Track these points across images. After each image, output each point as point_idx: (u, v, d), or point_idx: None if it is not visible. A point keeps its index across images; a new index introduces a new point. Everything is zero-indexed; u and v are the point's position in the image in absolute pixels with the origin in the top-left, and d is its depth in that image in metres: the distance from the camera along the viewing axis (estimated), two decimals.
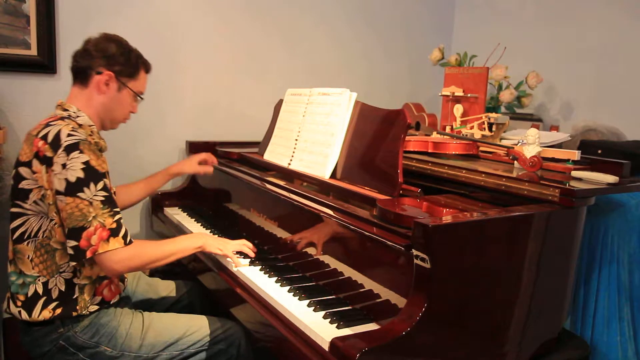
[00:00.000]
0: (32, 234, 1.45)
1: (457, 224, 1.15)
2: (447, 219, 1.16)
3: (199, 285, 1.84)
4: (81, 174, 1.38)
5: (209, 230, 1.97)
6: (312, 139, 1.81)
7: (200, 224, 2.07)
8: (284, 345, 1.25)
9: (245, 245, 1.65)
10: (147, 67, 1.68)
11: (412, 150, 1.81)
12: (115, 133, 2.28)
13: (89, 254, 1.37)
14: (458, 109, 2.12)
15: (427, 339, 1.11)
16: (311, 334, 1.21)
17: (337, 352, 1.06)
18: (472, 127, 2.03)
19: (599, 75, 2.44)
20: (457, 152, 1.79)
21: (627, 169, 1.56)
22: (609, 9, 2.41)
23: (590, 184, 1.42)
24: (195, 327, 1.60)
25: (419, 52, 2.95)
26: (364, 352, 1.01)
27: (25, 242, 1.46)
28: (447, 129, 2.14)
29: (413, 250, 1.12)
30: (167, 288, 1.90)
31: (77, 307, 1.47)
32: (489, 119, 1.95)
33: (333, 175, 1.69)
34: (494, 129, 1.96)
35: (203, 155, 2.12)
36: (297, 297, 1.38)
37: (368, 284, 1.32)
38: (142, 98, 1.69)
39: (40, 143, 1.41)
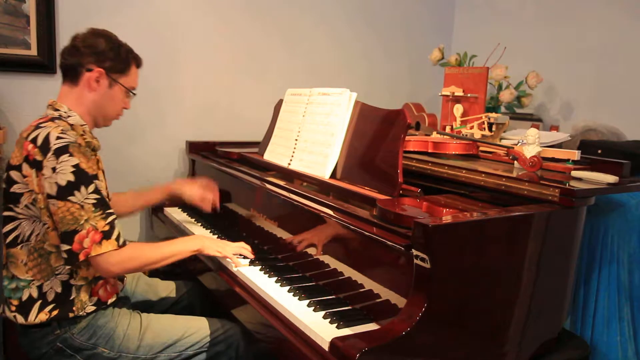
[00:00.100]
0: (25, 238, 1.44)
1: (457, 223, 1.15)
2: (447, 219, 1.16)
3: (199, 286, 1.84)
4: (71, 178, 1.37)
5: (209, 231, 1.97)
6: (312, 139, 1.81)
7: (200, 224, 2.07)
8: (284, 345, 1.25)
9: (244, 248, 1.64)
10: (138, 62, 1.65)
11: (412, 150, 1.81)
12: (115, 133, 2.30)
13: (82, 257, 1.36)
14: (458, 109, 2.12)
15: (427, 339, 1.11)
16: (311, 334, 1.20)
17: (337, 352, 1.06)
18: (472, 127, 2.03)
19: (599, 75, 2.44)
20: (457, 152, 1.79)
21: (627, 169, 1.56)
22: (609, 9, 2.40)
23: (590, 184, 1.42)
24: (194, 328, 1.59)
25: (419, 52, 2.95)
26: (363, 352, 1.01)
27: (19, 246, 1.45)
28: (447, 129, 2.14)
29: (413, 250, 1.12)
30: (167, 288, 1.90)
31: (74, 308, 1.46)
32: (489, 119, 1.95)
33: (333, 175, 1.69)
34: (493, 129, 1.96)
35: (206, 183, 2.01)
36: (297, 297, 1.38)
37: (368, 284, 1.32)
38: (134, 94, 1.66)
39: (30, 146, 1.39)
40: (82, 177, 1.38)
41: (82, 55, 1.52)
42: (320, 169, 1.72)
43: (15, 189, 1.42)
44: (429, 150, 1.81)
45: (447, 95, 2.16)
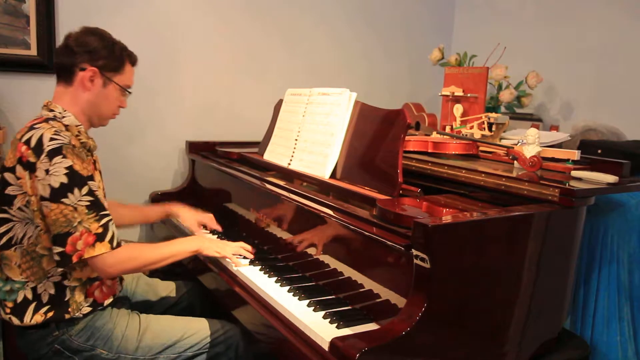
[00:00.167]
0: (18, 240, 1.43)
1: (456, 223, 1.15)
2: (446, 218, 1.16)
3: (199, 286, 1.84)
4: (64, 179, 1.35)
5: (209, 231, 1.96)
6: (312, 139, 1.81)
7: None
8: (284, 345, 1.25)
9: (243, 248, 1.64)
10: (132, 60, 1.62)
11: (412, 150, 1.81)
12: (115, 133, 2.30)
13: (74, 259, 1.35)
14: (458, 109, 2.12)
15: (426, 338, 1.11)
16: (311, 334, 1.21)
17: (336, 352, 1.06)
18: (471, 127, 2.03)
19: (599, 75, 2.44)
20: (457, 152, 1.79)
21: (627, 168, 1.56)
22: (609, 9, 2.40)
23: (590, 183, 1.42)
24: (193, 329, 1.58)
25: (419, 52, 2.95)
26: (363, 352, 1.01)
27: (12, 249, 1.44)
28: (447, 129, 2.14)
29: (413, 250, 1.12)
30: (167, 288, 1.90)
31: (70, 310, 1.45)
32: (489, 118, 1.95)
33: (333, 175, 1.69)
34: (493, 128, 1.96)
35: (204, 218, 1.95)
36: (297, 297, 1.38)
37: (368, 284, 1.32)
38: (129, 92, 1.63)
39: (24, 148, 1.38)
40: (75, 179, 1.37)
41: (75, 55, 1.49)
42: (320, 169, 1.72)
43: (9, 191, 1.41)
44: (429, 150, 1.81)
45: (447, 95, 2.16)
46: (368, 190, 1.53)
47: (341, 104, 1.73)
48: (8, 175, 1.41)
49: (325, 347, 1.13)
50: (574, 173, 1.51)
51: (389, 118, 1.57)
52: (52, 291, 1.45)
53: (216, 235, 1.91)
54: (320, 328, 1.21)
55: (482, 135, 1.97)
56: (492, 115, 1.96)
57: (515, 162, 1.61)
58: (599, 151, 1.82)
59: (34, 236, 1.43)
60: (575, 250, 1.45)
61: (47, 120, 1.45)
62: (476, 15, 3.07)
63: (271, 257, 1.69)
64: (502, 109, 2.46)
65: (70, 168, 1.36)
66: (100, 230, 1.37)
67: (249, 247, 1.65)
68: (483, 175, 1.50)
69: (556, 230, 1.35)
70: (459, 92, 2.13)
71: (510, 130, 2.17)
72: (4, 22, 2.08)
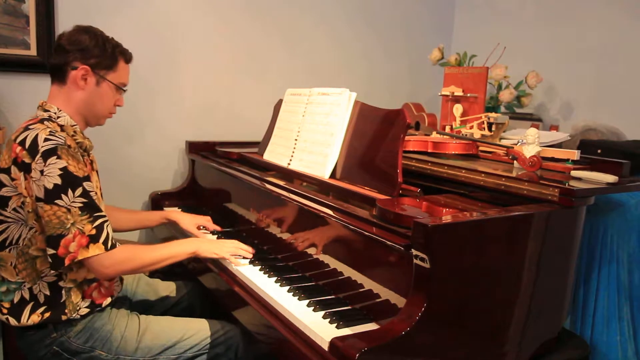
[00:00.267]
0: (14, 241, 1.43)
1: (456, 223, 1.15)
2: (446, 218, 1.15)
3: (199, 286, 1.84)
4: (58, 181, 1.35)
5: (209, 231, 1.96)
6: (312, 138, 1.81)
7: None
8: (284, 345, 1.25)
9: (240, 248, 1.64)
10: (126, 57, 1.60)
11: (411, 150, 1.81)
12: (114, 133, 2.30)
13: (67, 262, 1.35)
14: (458, 109, 2.12)
15: (426, 338, 1.11)
16: (311, 334, 1.21)
17: (336, 352, 1.06)
18: (471, 127, 2.03)
19: (599, 75, 2.44)
20: (456, 152, 1.79)
21: (627, 168, 1.56)
22: (609, 9, 2.40)
23: (589, 183, 1.42)
24: (193, 330, 1.58)
25: (419, 52, 2.95)
26: (363, 352, 1.01)
27: (7, 250, 1.44)
28: (447, 129, 2.14)
29: (412, 250, 1.12)
30: (167, 289, 1.90)
31: (66, 311, 1.45)
32: (489, 118, 1.95)
33: (333, 175, 1.69)
34: (493, 128, 1.96)
35: (202, 221, 1.95)
36: (297, 297, 1.38)
37: (368, 283, 1.32)
38: (124, 90, 1.62)
39: (18, 149, 1.37)
40: (69, 180, 1.36)
41: (67, 54, 1.48)
42: (320, 169, 1.72)
43: (3, 192, 1.40)
44: (429, 150, 1.81)
45: (447, 95, 2.16)
46: (368, 190, 1.53)
47: (341, 104, 1.74)
48: (3, 177, 1.40)
49: (325, 347, 1.13)
50: (573, 173, 1.51)
51: (388, 118, 1.57)
52: (47, 292, 1.45)
53: (216, 236, 1.91)
54: (320, 328, 1.21)
55: (482, 135, 1.97)
56: (492, 115, 1.96)
57: (515, 162, 1.61)
58: (599, 151, 1.82)
59: (28, 237, 1.42)
60: (575, 250, 1.45)
61: (42, 120, 1.45)
62: (476, 15, 3.07)
63: (271, 257, 1.69)
64: (502, 108, 2.46)
65: (64, 169, 1.36)
66: (93, 231, 1.36)
67: (246, 247, 1.65)
68: (483, 175, 1.50)
69: (556, 230, 1.35)
70: (458, 92, 2.13)
71: (510, 130, 2.17)
72: (3, 22, 2.08)
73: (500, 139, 1.98)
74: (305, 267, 1.55)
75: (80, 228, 1.35)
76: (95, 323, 1.50)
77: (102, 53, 1.52)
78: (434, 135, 2.01)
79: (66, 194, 1.35)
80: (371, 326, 1.23)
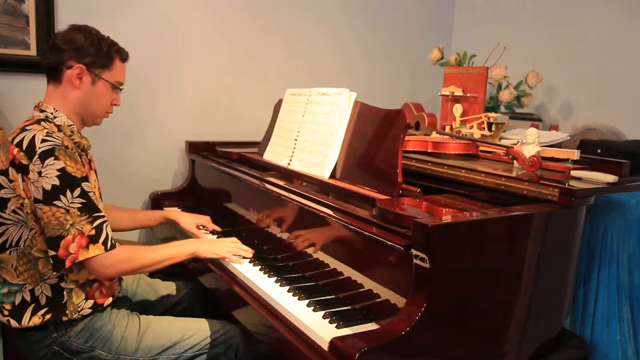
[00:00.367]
0: (14, 243, 1.42)
1: (456, 223, 1.15)
2: (446, 218, 1.15)
3: (200, 286, 1.84)
4: (56, 182, 1.34)
5: (209, 232, 1.96)
6: (312, 138, 1.81)
7: None
8: (284, 345, 1.25)
9: (240, 248, 1.64)
10: (123, 56, 1.58)
11: (411, 150, 1.81)
12: (114, 134, 2.30)
13: (67, 264, 1.34)
14: (457, 109, 2.12)
15: (426, 338, 1.11)
16: (310, 333, 1.21)
17: (336, 352, 1.06)
18: (471, 127, 2.03)
19: (599, 75, 2.44)
20: (456, 152, 1.79)
21: (627, 168, 1.56)
22: (609, 9, 2.40)
23: (589, 183, 1.42)
24: (193, 330, 1.58)
25: (419, 52, 2.95)
26: (363, 352, 1.01)
27: (8, 252, 1.43)
28: (447, 129, 2.14)
29: (412, 250, 1.12)
30: (167, 289, 1.90)
31: (67, 312, 1.45)
32: (489, 118, 1.95)
33: (332, 175, 1.69)
34: (493, 128, 1.96)
35: (202, 220, 1.95)
36: (297, 297, 1.38)
37: (367, 283, 1.32)
38: (120, 89, 1.60)
39: (16, 150, 1.37)
40: (67, 181, 1.35)
41: (62, 53, 1.48)
42: (320, 169, 1.72)
43: (2, 194, 1.40)
44: (429, 150, 1.81)
45: (447, 95, 2.16)
46: (368, 190, 1.53)
47: (341, 103, 1.74)
48: (1, 178, 1.40)
49: (325, 347, 1.13)
50: (573, 173, 1.51)
51: (388, 118, 1.57)
52: (49, 293, 1.44)
53: (216, 236, 1.91)
54: (320, 328, 1.21)
55: (482, 135, 1.97)
56: (492, 115, 1.96)
57: (514, 161, 1.61)
58: (599, 151, 1.82)
59: (29, 239, 1.42)
60: (575, 250, 1.45)
61: (38, 121, 1.44)
62: (476, 15, 3.07)
63: (271, 257, 1.69)
64: (502, 108, 2.46)
65: (62, 170, 1.35)
66: (93, 232, 1.36)
67: (245, 247, 1.65)
68: (483, 175, 1.50)
69: (556, 230, 1.35)
70: (458, 92, 2.13)
71: (510, 130, 2.17)
72: (3, 22, 2.08)
73: (500, 139, 1.98)
74: (305, 267, 1.55)
75: (80, 229, 1.35)
76: (96, 323, 1.50)
77: (98, 52, 1.51)
78: (434, 135, 2.01)
79: (64, 195, 1.35)
80: (371, 326, 1.23)
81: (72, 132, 1.51)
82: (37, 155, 1.35)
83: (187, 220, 1.93)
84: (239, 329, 1.62)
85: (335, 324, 1.23)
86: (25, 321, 1.43)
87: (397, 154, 1.49)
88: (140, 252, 1.49)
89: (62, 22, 2.18)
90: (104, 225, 1.40)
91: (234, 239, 1.69)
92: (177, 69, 2.46)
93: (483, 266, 1.21)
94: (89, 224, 1.36)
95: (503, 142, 1.91)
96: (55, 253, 1.35)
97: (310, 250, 1.53)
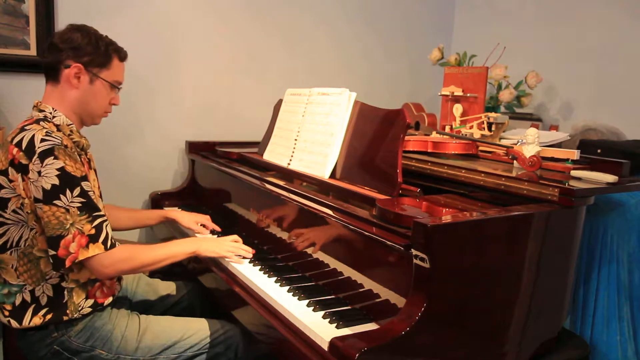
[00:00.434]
0: (14, 244, 1.42)
1: (456, 223, 1.15)
2: (446, 218, 1.15)
3: (199, 286, 1.84)
4: (56, 181, 1.34)
5: (208, 231, 1.96)
6: (312, 138, 1.81)
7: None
8: (284, 345, 1.25)
9: (241, 248, 1.64)
10: (121, 55, 1.58)
11: (411, 150, 1.81)
12: (114, 133, 2.30)
13: (67, 263, 1.34)
14: (457, 109, 2.12)
15: (426, 338, 1.11)
16: (310, 333, 1.21)
17: (336, 352, 1.06)
18: (471, 127, 2.03)
19: (599, 75, 2.44)
20: (456, 152, 1.79)
21: (627, 168, 1.56)
22: (609, 9, 2.40)
23: (589, 183, 1.42)
24: (193, 330, 1.59)
25: (419, 52, 2.95)
26: (363, 352, 1.01)
27: (8, 252, 1.43)
28: (447, 129, 2.14)
29: (412, 250, 1.12)
30: (167, 289, 1.90)
31: (68, 311, 1.45)
32: (489, 118, 1.95)
33: (332, 175, 1.69)
34: (493, 128, 1.96)
35: (201, 219, 1.96)
36: (297, 297, 1.38)
37: (367, 283, 1.32)
38: (119, 88, 1.60)
39: (15, 150, 1.37)
40: (67, 181, 1.35)
41: (60, 52, 1.47)
42: (320, 169, 1.72)
43: (2, 194, 1.40)
44: (429, 150, 1.81)
45: (447, 95, 2.16)
46: (368, 190, 1.53)
47: (341, 104, 1.74)
48: (1, 178, 1.40)
49: (325, 347, 1.13)
50: (573, 173, 1.51)
51: (388, 118, 1.57)
52: (50, 293, 1.44)
53: (216, 235, 1.91)
54: (320, 328, 1.21)
55: (482, 135, 1.97)
56: (492, 115, 1.96)
57: (514, 161, 1.61)
58: (599, 151, 1.82)
59: (29, 238, 1.42)
60: (575, 250, 1.45)
61: (37, 121, 1.44)
62: (476, 15, 3.07)
63: (271, 257, 1.69)
64: (502, 108, 2.46)
65: (61, 169, 1.35)
66: (93, 231, 1.36)
67: (245, 247, 1.65)
68: (483, 175, 1.50)
69: (556, 230, 1.35)
70: (458, 92, 2.13)
71: (510, 130, 2.17)
72: (3, 22, 2.08)
73: (500, 138, 1.98)
74: (305, 267, 1.55)
75: (80, 228, 1.35)
76: (96, 323, 1.50)
77: (95, 51, 1.50)
78: (434, 135, 2.01)
79: (64, 195, 1.35)
80: (371, 326, 1.23)
81: (71, 131, 1.51)
82: (36, 155, 1.35)
83: (187, 219, 1.93)
84: (238, 329, 1.62)
85: (335, 324, 1.23)
86: (25, 322, 1.43)
87: (397, 154, 1.49)
88: (141, 251, 1.49)
89: (62, 22, 2.18)
90: (104, 224, 1.40)
91: (235, 237, 1.69)
92: (177, 69, 2.46)
93: (483, 266, 1.21)
94: (88, 223, 1.36)
95: (503, 142, 1.91)
96: (55, 252, 1.35)
97: (310, 250, 1.53)
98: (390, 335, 1.06)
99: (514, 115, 2.51)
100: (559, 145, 1.90)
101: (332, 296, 1.40)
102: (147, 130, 2.43)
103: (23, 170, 1.36)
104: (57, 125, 1.47)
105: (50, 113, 1.48)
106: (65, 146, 1.39)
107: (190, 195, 2.42)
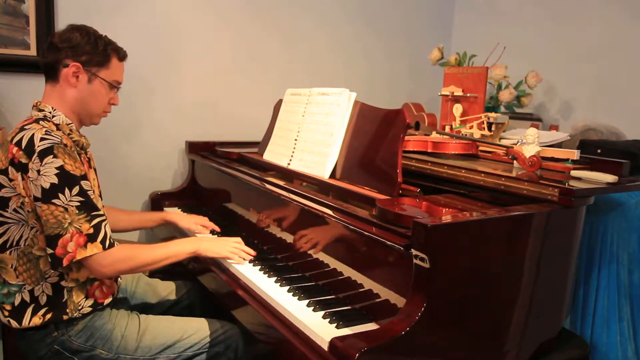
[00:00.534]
0: (14, 243, 1.42)
1: (456, 223, 1.15)
2: (446, 218, 1.15)
3: (199, 286, 1.84)
4: (55, 180, 1.34)
5: (208, 231, 1.96)
6: (312, 138, 1.81)
7: None
8: (284, 345, 1.25)
9: (242, 249, 1.64)
10: (120, 55, 1.58)
11: (411, 150, 1.81)
12: (114, 134, 2.30)
13: (65, 262, 1.34)
14: (457, 109, 2.12)
15: (426, 338, 1.11)
16: (310, 334, 1.21)
17: (336, 352, 1.06)
18: (471, 127, 2.03)
19: (599, 75, 2.44)
20: (456, 152, 1.79)
21: (627, 168, 1.56)
22: (609, 9, 2.40)
23: (589, 183, 1.42)
24: (193, 329, 1.59)
25: (418, 52, 2.95)
26: (363, 351, 1.01)
27: (8, 252, 1.43)
28: (447, 129, 2.14)
29: (412, 250, 1.12)
30: (167, 289, 1.90)
31: (67, 311, 1.45)
32: (489, 118, 1.95)
33: (332, 175, 1.69)
34: (493, 128, 1.96)
35: (200, 220, 1.96)
36: (297, 297, 1.38)
37: (367, 283, 1.32)
38: (118, 87, 1.60)
39: (15, 149, 1.37)
40: (66, 179, 1.35)
41: (59, 51, 1.47)
42: (320, 169, 1.72)
43: (3, 193, 1.40)
44: (429, 150, 1.81)
45: (447, 95, 2.16)
46: (367, 190, 1.53)
47: (341, 104, 1.74)
48: (1, 178, 1.40)
49: (325, 347, 1.13)
50: (573, 173, 1.51)
51: (388, 118, 1.57)
52: (50, 292, 1.44)
53: (215, 235, 1.91)
54: (320, 328, 1.21)
55: (482, 135, 1.97)
56: (492, 115, 1.96)
57: (514, 161, 1.61)
58: (599, 151, 1.82)
59: (29, 237, 1.42)
60: (574, 250, 1.45)
61: (37, 120, 1.44)
62: (476, 15, 3.07)
63: (271, 257, 1.69)
64: (502, 108, 2.46)
65: (60, 168, 1.35)
66: (91, 230, 1.36)
67: (247, 248, 1.65)
68: (483, 175, 1.50)
69: (556, 230, 1.35)
70: (458, 92, 2.13)
71: (510, 130, 2.17)
72: (3, 23, 2.08)
73: (500, 138, 1.98)
74: (305, 267, 1.55)
75: (78, 227, 1.35)
76: (96, 322, 1.50)
77: (94, 50, 1.50)
78: (434, 135, 2.01)
79: (63, 193, 1.35)
80: (371, 326, 1.23)
81: (70, 130, 1.51)
82: (36, 154, 1.35)
83: (187, 220, 1.93)
84: (238, 329, 1.62)
85: (335, 324, 1.23)
86: (25, 321, 1.43)
87: (397, 154, 1.49)
88: (140, 250, 1.49)
89: (62, 22, 2.18)
90: (103, 224, 1.39)
91: (238, 239, 1.69)
92: (177, 68, 2.46)
93: (483, 266, 1.21)
94: (87, 223, 1.36)
95: (503, 142, 1.91)
96: (53, 251, 1.35)
97: (310, 250, 1.53)
98: (390, 335, 1.06)
99: (514, 115, 2.51)
100: (559, 145, 1.90)
101: (332, 296, 1.40)
102: (147, 130, 2.43)
103: (23, 169, 1.36)
104: (56, 125, 1.48)
105: (50, 112, 1.48)
106: (65, 145, 1.39)
107: (190, 196, 2.42)
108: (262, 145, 2.15)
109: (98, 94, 1.54)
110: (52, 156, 1.35)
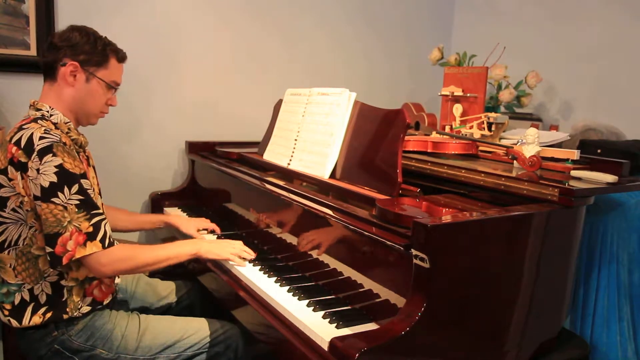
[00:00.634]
0: (13, 243, 1.42)
1: (456, 223, 1.15)
2: (446, 218, 1.15)
3: (199, 286, 1.84)
4: (54, 179, 1.34)
5: (208, 231, 1.96)
6: (312, 138, 1.81)
7: None
8: (284, 345, 1.25)
9: (243, 250, 1.64)
10: (119, 56, 1.58)
11: (411, 150, 1.81)
12: (114, 134, 2.30)
13: (64, 261, 1.34)
14: (457, 109, 2.12)
15: (426, 338, 1.11)
16: (310, 334, 1.21)
17: (336, 352, 1.06)
18: (471, 127, 2.03)
19: (599, 75, 2.44)
20: (456, 152, 1.79)
21: (627, 168, 1.56)
22: (609, 9, 2.40)
23: (589, 183, 1.42)
24: (193, 329, 1.59)
25: (418, 52, 2.95)
26: (363, 351, 1.01)
27: (6, 251, 1.43)
28: (447, 129, 2.14)
29: (412, 250, 1.12)
30: (167, 289, 1.90)
31: (67, 310, 1.45)
32: (489, 118, 1.95)
33: (332, 175, 1.69)
34: (493, 128, 1.96)
35: (202, 224, 1.96)
36: (297, 297, 1.38)
37: (367, 283, 1.32)
38: (116, 88, 1.60)
39: (14, 149, 1.37)
40: (65, 178, 1.36)
41: (58, 50, 1.48)
42: (320, 169, 1.72)
43: (2, 192, 1.40)
44: (429, 150, 1.81)
45: (447, 95, 2.16)
46: (367, 190, 1.53)
47: (340, 104, 1.74)
48: (0, 177, 1.40)
49: (325, 347, 1.13)
50: (573, 173, 1.51)
51: (388, 118, 1.57)
52: (49, 291, 1.45)
53: (216, 236, 1.91)
54: (320, 328, 1.21)
55: (482, 135, 1.97)
56: (492, 115, 1.96)
57: (514, 161, 1.61)
58: (599, 151, 1.82)
59: (28, 237, 1.42)
60: (574, 250, 1.45)
61: (35, 119, 1.44)
62: (476, 15, 3.07)
63: (271, 257, 1.69)
64: (502, 108, 2.46)
65: (60, 167, 1.35)
66: (90, 229, 1.36)
67: (248, 249, 1.65)
68: (483, 175, 1.50)
69: (556, 230, 1.35)
70: (458, 92, 2.13)
71: (510, 130, 2.17)
72: (3, 23, 2.08)
73: (500, 138, 1.98)
74: (305, 267, 1.55)
75: (77, 226, 1.35)
76: (96, 322, 1.50)
77: (93, 50, 1.51)
78: (434, 135, 2.01)
79: (62, 192, 1.35)
80: (371, 326, 1.23)
81: (69, 129, 1.51)
82: (35, 153, 1.35)
83: (187, 223, 1.93)
84: (238, 329, 1.62)
85: (335, 324, 1.23)
86: (25, 321, 1.43)
87: (396, 154, 1.49)
88: (140, 251, 1.49)
89: (62, 22, 2.18)
90: (102, 222, 1.39)
91: (240, 242, 1.68)
92: (177, 68, 2.46)
93: (483, 266, 1.21)
94: (86, 221, 1.36)
95: (503, 142, 1.91)
96: (52, 250, 1.35)
97: (310, 250, 1.53)
98: (390, 335, 1.06)
99: (514, 115, 2.51)
100: (559, 145, 1.90)
101: (332, 296, 1.40)
102: (146, 130, 2.43)
103: (22, 168, 1.37)
104: (54, 123, 1.48)
105: (47, 111, 1.49)
106: (64, 143, 1.39)
107: (190, 196, 2.42)
108: (262, 145, 2.15)
109: (95, 93, 1.54)
110: (51, 155, 1.35)
